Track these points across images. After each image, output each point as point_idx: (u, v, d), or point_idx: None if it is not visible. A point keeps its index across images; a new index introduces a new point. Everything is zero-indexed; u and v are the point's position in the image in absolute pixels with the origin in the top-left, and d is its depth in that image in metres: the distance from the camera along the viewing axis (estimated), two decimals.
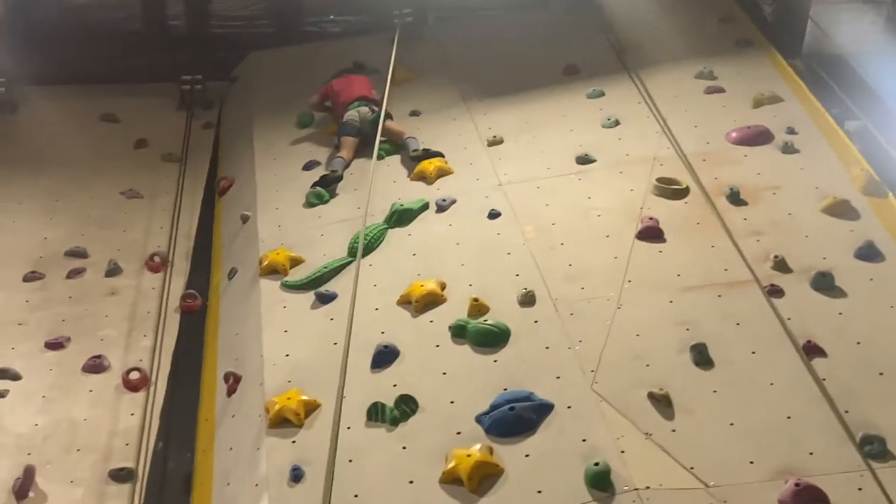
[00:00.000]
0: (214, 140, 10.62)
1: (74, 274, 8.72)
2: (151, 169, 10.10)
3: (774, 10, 11.30)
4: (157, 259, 8.85)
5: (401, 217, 8.22)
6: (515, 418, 6.11)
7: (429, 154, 8.91)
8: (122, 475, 6.86)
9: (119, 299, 8.47)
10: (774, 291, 6.97)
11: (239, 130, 10.31)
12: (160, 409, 7.41)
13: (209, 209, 9.60)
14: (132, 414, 7.39)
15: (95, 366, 7.77)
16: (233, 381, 7.15)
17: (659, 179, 8.20)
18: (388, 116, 9.33)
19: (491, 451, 5.95)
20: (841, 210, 7.72)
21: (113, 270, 8.72)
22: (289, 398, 6.55)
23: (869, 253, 7.28)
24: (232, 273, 8.35)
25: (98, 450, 7.08)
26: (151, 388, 7.52)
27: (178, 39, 11.86)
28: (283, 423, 6.47)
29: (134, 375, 7.66)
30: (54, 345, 7.98)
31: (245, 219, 8.78)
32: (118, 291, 8.56)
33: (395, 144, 9.21)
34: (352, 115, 9.27)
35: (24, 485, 6.68)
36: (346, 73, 10.03)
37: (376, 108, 9.31)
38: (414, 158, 8.90)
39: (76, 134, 10.58)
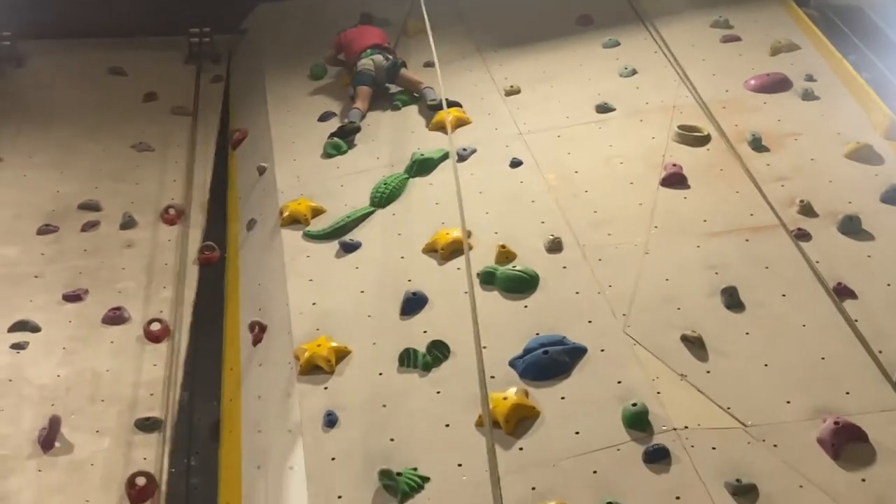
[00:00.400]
0: (224, 93, 10.50)
1: (89, 227, 8.65)
2: (161, 122, 10.01)
3: None
4: (172, 211, 8.78)
5: (421, 166, 8.16)
6: (550, 361, 6.10)
7: (447, 104, 8.81)
8: (148, 424, 6.83)
9: (135, 252, 8.41)
10: (802, 235, 6.95)
11: (250, 83, 10.21)
12: (183, 360, 7.34)
13: (222, 162, 9.54)
14: (155, 365, 7.35)
15: (115, 317, 7.71)
16: (258, 331, 7.11)
17: (680, 127, 8.17)
18: (403, 65, 9.24)
19: (526, 394, 5.94)
20: (864, 155, 7.70)
21: (128, 223, 8.65)
22: (319, 345, 6.52)
23: (895, 196, 7.26)
24: (251, 224, 8.29)
25: (123, 400, 7.05)
26: (174, 339, 7.45)
27: None
28: (313, 369, 6.44)
29: (155, 326, 7.61)
30: (72, 297, 7.92)
31: (262, 170, 8.70)
32: (134, 244, 8.49)
33: (412, 94, 9.12)
34: (366, 63, 9.17)
35: (50, 435, 6.66)
36: (358, 25, 9.90)
37: (391, 56, 9.20)
38: (431, 108, 8.83)
39: (84, 87, 10.50)
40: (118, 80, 10.69)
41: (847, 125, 8.06)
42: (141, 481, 6.31)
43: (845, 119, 8.16)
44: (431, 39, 8.27)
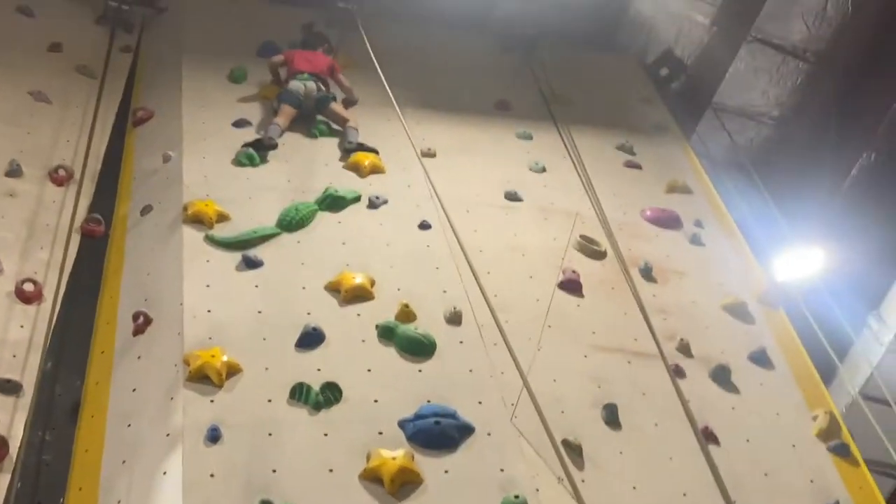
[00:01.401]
0: (132, 65, 10.17)
1: None
2: (64, 77, 9.57)
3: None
4: (62, 172, 8.42)
5: (333, 203, 8.20)
6: (440, 433, 6.25)
7: (363, 148, 8.91)
8: (8, 386, 6.51)
9: (18, 202, 8.01)
10: (678, 371, 7.41)
11: (165, 64, 9.94)
12: (52, 328, 7.04)
13: (120, 135, 9.20)
14: (22, 326, 7.01)
15: None
16: (143, 322, 6.92)
17: (582, 237, 8.53)
18: (333, 99, 9.28)
19: (412, 457, 6.04)
20: (739, 311, 8.29)
21: (14, 172, 8.23)
22: (213, 356, 6.42)
23: (761, 358, 7.84)
24: (146, 210, 8.06)
25: None
26: (46, 305, 7.16)
27: None
28: (203, 379, 6.34)
29: (28, 287, 7.26)
30: None
31: (167, 158, 8.50)
32: (17, 194, 8.08)
33: (333, 128, 9.15)
34: (297, 85, 9.14)
35: None
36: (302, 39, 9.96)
37: (323, 88, 9.22)
38: (348, 150, 8.87)
39: None
40: (24, 20, 10.17)
41: (727, 278, 8.66)
42: None
43: (726, 272, 8.77)
44: (385, 81, 8.44)
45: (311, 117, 9.16)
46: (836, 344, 10.61)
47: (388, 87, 9.08)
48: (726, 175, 11.68)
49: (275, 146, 8.70)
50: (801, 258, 10.95)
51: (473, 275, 6.83)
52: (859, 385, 12.85)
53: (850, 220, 13.39)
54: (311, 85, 9.17)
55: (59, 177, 8.38)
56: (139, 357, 6.72)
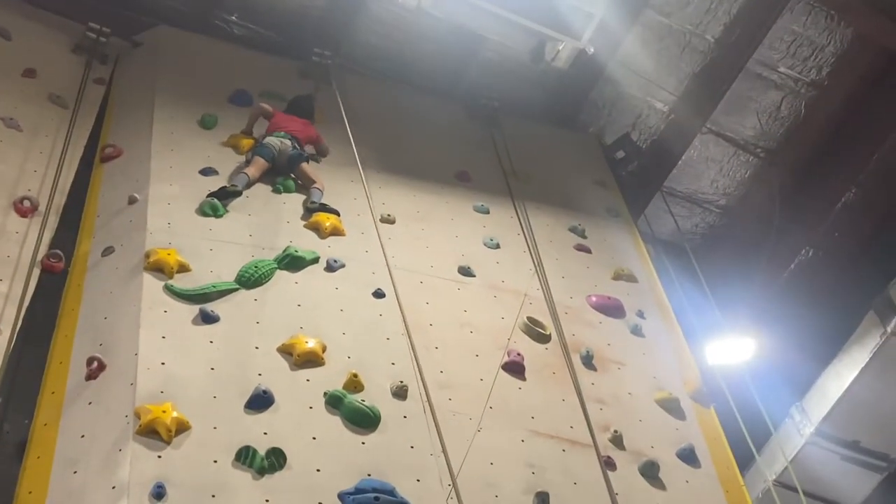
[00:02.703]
0: (103, 99, 10.28)
1: None
2: (35, 104, 9.63)
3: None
4: (27, 203, 8.50)
5: (292, 262, 8.38)
6: None
7: (325, 209, 9.11)
8: None
9: None
10: (609, 463, 7.67)
11: (136, 102, 10.04)
12: (5, 364, 7.11)
13: (86, 167, 9.30)
14: None
15: None
16: (96, 367, 7.03)
17: (529, 318, 8.80)
18: (306, 160, 9.48)
19: None
20: (671, 407, 8.59)
21: None
22: (164, 411, 6.56)
23: (689, 456, 8.15)
24: (108, 251, 8.17)
25: None
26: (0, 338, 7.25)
27: None
28: (152, 433, 6.47)
29: None
30: None
31: (132, 200, 8.62)
32: None
33: (298, 185, 9.34)
34: (273, 140, 9.34)
35: None
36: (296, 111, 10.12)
37: (298, 147, 9.41)
38: (310, 209, 9.06)
39: None
40: (0, 42, 10.24)
41: (662, 372, 8.97)
42: None
43: (662, 366, 9.07)
44: (353, 143, 8.75)
45: (281, 174, 9.32)
46: (760, 429, 11.08)
47: (355, 150, 9.31)
48: (668, 257, 12.10)
49: (239, 194, 8.87)
50: (733, 346, 11.45)
51: (414, 356, 7.05)
52: (776, 473, 13.32)
53: (783, 312, 13.92)
54: (287, 143, 9.36)
55: (23, 208, 8.45)
56: (90, 403, 6.83)
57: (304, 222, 9.02)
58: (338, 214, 9.13)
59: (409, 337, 7.55)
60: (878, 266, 13.62)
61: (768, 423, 11.01)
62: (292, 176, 9.37)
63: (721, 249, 14.18)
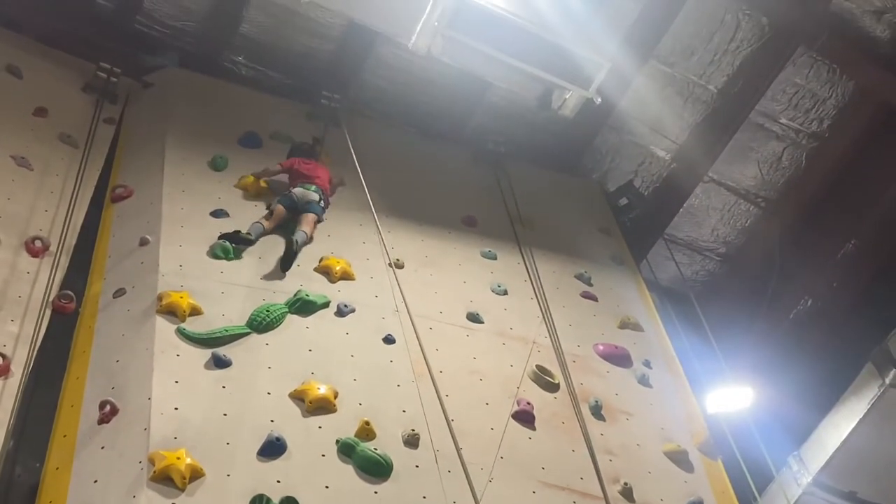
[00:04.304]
0: (114, 139, 10.29)
1: None
2: (47, 143, 9.65)
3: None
4: (38, 243, 8.50)
5: (303, 307, 8.39)
6: None
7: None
8: None
9: None
10: None
11: (147, 143, 10.06)
12: (16, 406, 7.08)
13: (96, 206, 9.31)
14: None
15: None
16: (109, 411, 7.01)
17: (538, 367, 8.80)
18: (322, 220, 9.55)
19: None
20: (680, 459, 8.59)
21: None
22: (178, 458, 6.54)
23: None
24: (119, 292, 8.17)
25: None
26: (11, 380, 7.22)
27: (101, 19, 11.50)
28: (165, 480, 6.44)
29: None
30: None
31: (144, 242, 8.62)
32: None
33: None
34: (302, 192, 9.41)
35: None
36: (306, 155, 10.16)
37: (323, 203, 9.50)
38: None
39: None
40: (12, 81, 10.21)
41: (670, 424, 8.97)
42: None
43: (670, 417, 9.07)
44: (366, 187, 9.02)
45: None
46: (757, 478, 11.06)
47: (368, 195, 9.34)
48: (670, 304, 12.14)
49: (252, 243, 8.88)
50: (731, 394, 11.45)
51: (441, 406, 7.05)
52: None
53: (782, 361, 13.94)
54: (314, 196, 9.42)
55: (35, 248, 8.46)
56: (102, 447, 6.81)
57: (314, 266, 8.99)
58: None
59: (435, 384, 7.53)
60: (876, 317, 13.64)
61: (772, 469, 11.01)
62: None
63: (721, 297, 14.22)
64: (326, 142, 10.78)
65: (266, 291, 8.47)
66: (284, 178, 9.81)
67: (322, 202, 9.49)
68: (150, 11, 11.81)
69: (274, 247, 9.07)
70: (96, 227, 9.14)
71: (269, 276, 8.68)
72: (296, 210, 9.32)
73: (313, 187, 9.50)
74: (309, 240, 9.19)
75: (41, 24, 11.04)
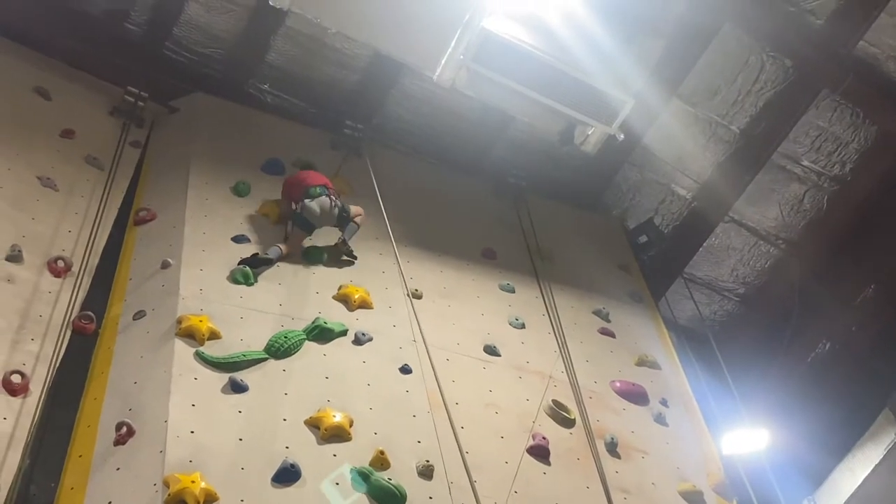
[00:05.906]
0: (139, 162, 10.38)
1: None
2: (72, 164, 9.74)
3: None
4: (60, 263, 8.56)
5: (321, 334, 8.42)
6: None
7: (345, 250, 9.31)
8: None
9: (14, 289, 8.12)
10: None
11: (171, 166, 10.13)
12: (34, 425, 7.12)
13: (119, 228, 9.37)
14: (4, 418, 7.10)
15: None
16: (125, 433, 7.04)
17: (554, 402, 8.79)
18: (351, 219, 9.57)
19: None
20: (694, 499, 8.56)
21: (15, 257, 8.33)
22: (193, 481, 6.55)
23: None
24: (139, 315, 8.21)
25: None
26: (30, 398, 7.26)
27: (130, 44, 11.62)
28: (180, 503, 6.45)
29: (16, 378, 7.37)
30: None
31: (166, 265, 8.67)
32: (14, 280, 8.20)
33: (332, 251, 9.40)
34: (313, 206, 9.30)
35: None
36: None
37: (335, 199, 9.43)
38: (340, 241, 9.17)
39: (4, 95, 10.09)
40: (40, 102, 10.31)
41: (686, 463, 8.93)
42: None
43: (685, 456, 9.04)
44: (386, 217, 9.16)
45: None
46: None
47: (388, 225, 9.37)
48: (688, 342, 12.11)
49: (271, 262, 8.93)
50: (747, 436, 11.40)
51: (456, 438, 7.03)
52: None
53: (799, 404, 13.86)
54: (326, 200, 9.35)
55: (57, 268, 8.51)
56: (118, 468, 6.83)
57: (333, 293, 9.02)
58: (353, 259, 9.25)
59: (450, 416, 7.60)
60: (894, 363, 13.58)
61: None
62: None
63: (739, 339, 14.16)
64: (345, 171, 10.81)
65: (284, 318, 8.50)
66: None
67: (336, 202, 9.44)
68: (180, 38, 11.89)
69: (293, 274, 9.10)
70: (119, 249, 9.19)
71: (287, 303, 8.70)
72: (323, 224, 9.36)
73: (317, 190, 9.40)
74: (357, 227, 9.46)
75: (70, 48, 11.13)
